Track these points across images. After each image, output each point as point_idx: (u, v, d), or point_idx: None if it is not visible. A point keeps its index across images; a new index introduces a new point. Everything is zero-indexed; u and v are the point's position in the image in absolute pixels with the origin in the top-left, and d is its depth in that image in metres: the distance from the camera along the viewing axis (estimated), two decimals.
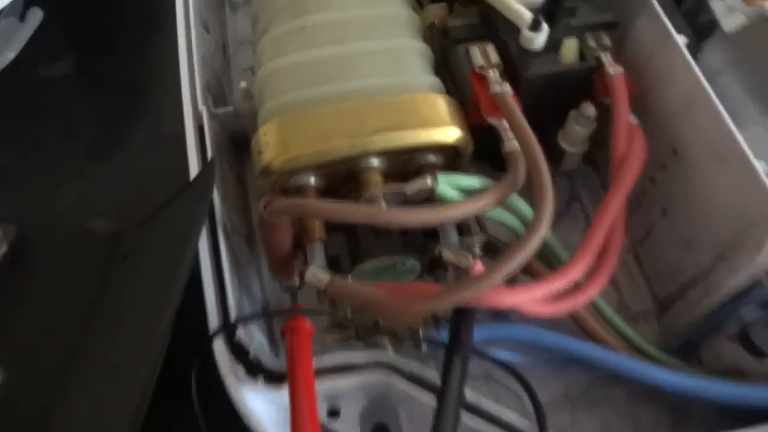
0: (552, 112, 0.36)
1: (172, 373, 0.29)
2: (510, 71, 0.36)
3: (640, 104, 0.36)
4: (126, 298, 0.36)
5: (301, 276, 0.33)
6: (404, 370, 0.31)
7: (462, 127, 0.34)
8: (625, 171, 0.33)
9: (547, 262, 0.36)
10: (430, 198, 0.32)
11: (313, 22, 0.37)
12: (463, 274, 0.32)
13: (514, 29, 0.36)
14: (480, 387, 0.38)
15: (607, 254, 0.34)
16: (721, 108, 0.31)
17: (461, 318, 0.31)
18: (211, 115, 0.39)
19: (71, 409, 0.34)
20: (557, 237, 0.36)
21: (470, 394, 0.30)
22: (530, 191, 0.32)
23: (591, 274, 0.33)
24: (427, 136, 0.33)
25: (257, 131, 0.34)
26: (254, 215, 0.43)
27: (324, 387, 0.31)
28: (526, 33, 0.35)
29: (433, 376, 0.31)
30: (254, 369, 0.31)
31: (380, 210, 0.30)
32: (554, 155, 0.38)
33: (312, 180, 0.34)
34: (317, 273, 0.31)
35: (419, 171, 0.34)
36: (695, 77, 0.32)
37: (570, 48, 0.35)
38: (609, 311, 0.36)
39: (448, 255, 0.31)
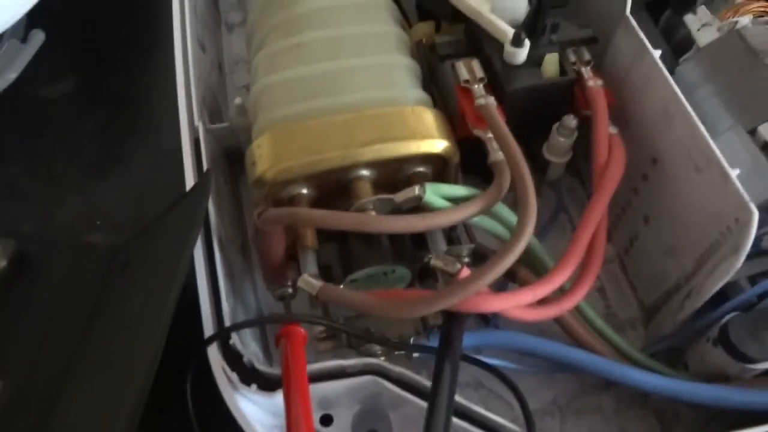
0: (535, 124, 0.38)
1: (169, 379, 0.30)
2: (494, 85, 0.37)
3: (620, 115, 0.37)
4: (124, 306, 0.37)
5: (294, 285, 0.34)
6: (395, 376, 0.32)
7: (449, 139, 0.35)
8: (606, 179, 0.35)
9: (534, 270, 0.37)
10: (419, 207, 0.33)
11: (306, 39, 0.39)
12: (451, 280, 0.33)
13: (497, 45, 0.37)
14: (470, 394, 0.39)
15: (590, 260, 0.35)
16: (695, 118, 0.32)
17: (451, 322, 0.32)
18: (207, 130, 0.41)
19: (70, 415, 0.34)
20: (545, 247, 0.37)
21: (460, 400, 0.31)
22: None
23: (575, 280, 0.34)
24: (415, 147, 0.34)
25: (252, 144, 0.35)
26: (249, 228, 0.44)
27: (317, 393, 0.32)
28: (509, 48, 0.36)
29: (424, 381, 0.32)
30: (249, 375, 0.31)
31: (368, 216, 0.31)
32: (539, 166, 0.40)
33: (304, 190, 0.35)
34: (309, 280, 0.32)
35: (408, 182, 0.35)
36: (671, 88, 0.33)
37: (551, 62, 0.37)
38: (595, 318, 0.37)
39: (436, 261, 0.32)
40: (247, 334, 0.35)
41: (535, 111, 0.37)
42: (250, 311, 0.39)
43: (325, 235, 0.35)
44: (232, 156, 0.45)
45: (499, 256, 0.30)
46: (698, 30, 0.38)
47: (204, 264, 0.34)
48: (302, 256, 0.34)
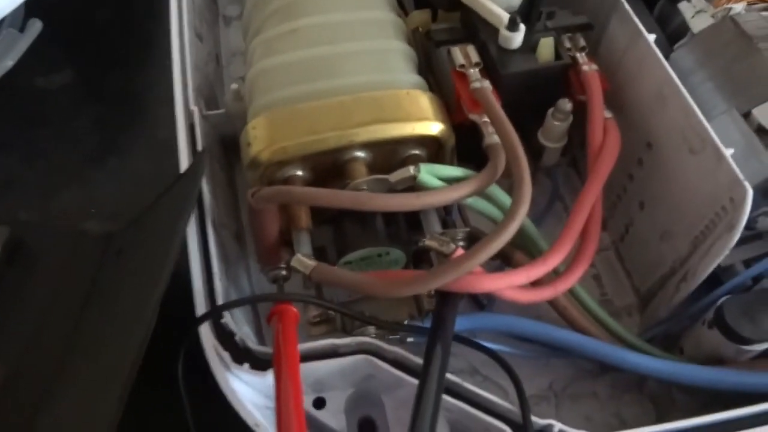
0: (530, 109, 0.38)
1: (161, 358, 0.30)
2: (489, 70, 0.37)
3: (615, 100, 0.37)
4: (118, 290, 0.37)
5: (288, 266, 0.34)
6: (389, 356, 0.32)
7: (444, 122, 0.35)
8: (600, 161, 0.35)
9: (529, 254, 0.36)
10: (414, 187, 0.33)
11: (303, 24, 0.39)
12: (445, 260, 0.32)
13: (493, 30, 0.37)
14: (465, 380, 0.38)
15: (585, 243, 0.34)
16: (690, 99, 0.32)
17: (445, 302, 0.31)
18: (203, 116, 0.41)
19: (66, 398, 0.34)
20: (541, 234, 0.37)
21: (453, 379, 0.31)
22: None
23: (570, 263, 0.34)
24: (410, 128, 0.34)
25: (247, 125, 0.35)
26: (244, 215, 0.44)
27: (309, 374, 0.32)
28: (504, 33, 0.36)
29: (418, 361, 0.32)
30: (240, 354, 0.31)
31: (363, 194, 0.31)
32: (535, 152, 0.40)
33: (299, 172, 0.35)
34: (303, 259, 0.32)
35: (403, 164, 0.35)
36: (665, 72, 0.34)
37: (546, 47, 0.37)
38: (590, 302, 0.36)
39: (430, 242, 0.32)
40: (240, 316, 0.35)
41: (530, 96, 0.37)
42: (244, 295, 0.39)
43: (320, 218, 0.35)
44: (228, 144, 0.45)
45: (494, 234, 0.30)
46: (692, 17, 0.38)
47: (197, 244, 0.34)
48: (296, 237, 0.34)
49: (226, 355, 0.30)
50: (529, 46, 0.37)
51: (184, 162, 0.37)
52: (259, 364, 0.31)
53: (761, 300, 0.32)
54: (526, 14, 0.37)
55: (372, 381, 0.33)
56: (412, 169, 0.33)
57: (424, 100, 0.36)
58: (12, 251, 0.42)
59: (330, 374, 0.33)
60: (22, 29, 0.50)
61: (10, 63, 0.48)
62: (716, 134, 0.32)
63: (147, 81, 0.55)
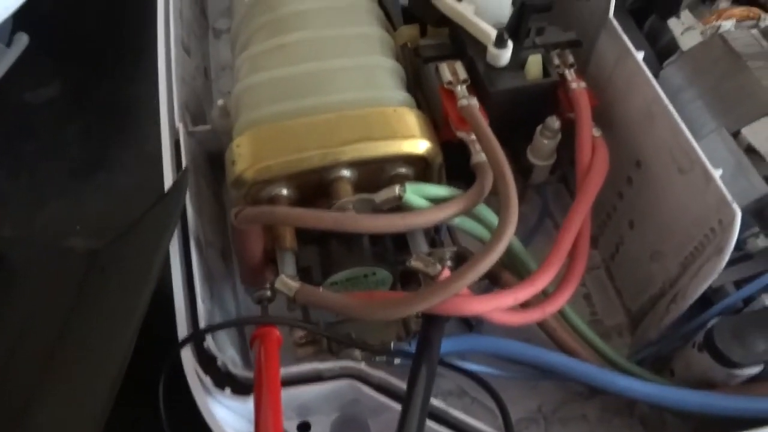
0: (519, 127, 0.37)
1: (142, 381, 0.29)
2: (477, 87, 0.37)
3: (604, 117, 0.37)
4: (100, 307, 0.37)
5: (272, 287, 0.34)
6: (374, 381, 0.31)
7: (431, 140, 0.35)
8: (589, 180, 0.34)
9: (517, 275, 0.36)
10: (400, 207, 0.33)
11: (290, 40, 0.39)
12: (431, 282, 0.32)
13: (481, 47, 0.37)
14: (453, 402, 0.38)
15: (574, 263, 0.34)
16: (678, 117, 0.32)
17: (430, 324, 0.31)
18: (189, 133, 0.40)
19: (44, 414, 0.34)
20: (530, 252, 0.36)
21: (439, 404, 0.30)
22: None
23: (559, 284, 0.34)
24: (396, 147, 0.34)
25: (231, 143, 0.35)
26: (230, 232, 0.43)
27: (293, 398, 0.31)
28: (492, 50, 0.36)
29: (403, 386, 0.31)
30: (222, 379, 0.30)
31: (347, 215, 0.31)
32: (524, 170, 0.39)
33: (284, 191, 0.34)
34: (287, 281, 0.31)
35: (390, 183, 0.35)
36: (653, 89, 0.33)
37: (534, 64, 0.37)
38: (580, 323, 0.36)
39: (416, 263, 0.32)
40: (225, 338, 0.35)
41: (519, 113, 0.37)
42: (230, 316, 0.39)
43: (305, 238, 0.35)
44: (214, 160, 0.44)
45: (480, 255, 0.30)
46: (682, 34, 0.38)
47: (180, 264, 0.33)
48: (280, 257, 0.33)
49: (207, 379, 0.30)
50: (518, 62, 0.37)
51: (168, 179, 0.37)
52: (241, 388, 0.30)
53: (752, 323, 0.31)
54: (514, 31, 0.37)
55: (357, 405, 0.33)
56: (397, 189, 0.32)
57: (411, 118, 0.35)
58: None
59: (314, 399, 0.32)
60: (8, 43, 0.49)
61: None
62: (705, 153, 0.31)
63: (135, 94, 0.55)
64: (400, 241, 0.35)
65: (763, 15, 0.37)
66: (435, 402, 0.30)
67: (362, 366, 0.31)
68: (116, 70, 0.56)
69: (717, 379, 0.32)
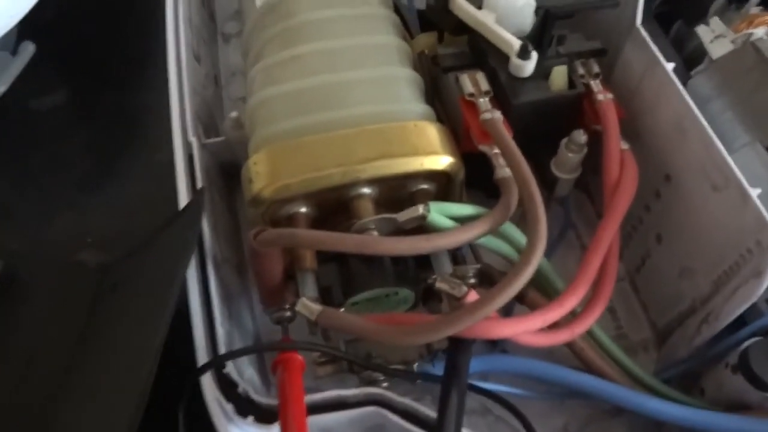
0: (543, 139, 0.36)
1: (161, 409, 0.28)
2: (500, 98, 0.36)
3: (630, 130, 0.36)
4: (114, 329, 0.36)
5: (293, 307, 0.33)
6: (399, 407, 0.30)
7: (453, 155, 0.34)
8: (617, 198, 0.33)
9: (543, 291, 0.35)
10: (423, 226, 0.32)
11: (304, 51, 0.38)
12: (457, 304, 0.31)
13: (503, 57, 0.36)
14: (477, 421, 0.37)
15: (602, 283, 0.33)
16: (712, 133, 0.31)
17: (457, 348, 0.30)
18: (202, 145, 0.39)
19: None
20: (553, 264, 0.36)
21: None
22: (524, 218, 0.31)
23: (587, 304, 0.33)
24: (418, 163, 0.33)
25: (247, 160, 0.34)
26: (245, 244, 0.43)
27: (317, 424, 0.30)
28: (515, 60, 0.35)
29: (428, 412, 0.30)
30: (244, 406, 0.30)
31: (370, 238, 0.30)
32: (547, 182, 0.38)
33: (303, 209, 0.33)
34: (308, 304, 0.30)
35: (411, 199, 0.34)
36: (685, 102, 0.32)
37: (559, 75, 0.35)
38: (607, 341, 0.35)
39: (441, 284, 0.31)
40: (244, 359, 0.34)
41: (543, 125, 0.36)
42: (247, 334, 0.38)
43: (325, 256, 0.34)
44: (227, 170, 0.44)
45: (509, 279, 0.29)
46: (711, 42, 0.37)
47: (198, 287, 0.32)
48: (301, 279, 0.32)
49: (229, 407, 0.29)
50: (541, 73, 0.36)
51: (182, 194, 0.36)
52: (264, 416, 0.29)
53: None
54: (537, 40, 0.36)
55: (381, 430, 0.32)
56: (421, 209, 0.31)
57: (432, 132, 0.34)
58: (5, 283, 0.41)
59: (338, 424, 0.31)
60: (14, 52, 0.48)
61: (2, 88, 0.47)
62: (739, 169, 0.30)
63: (142, 102, 0.54)
64: (422, 258, 0.35)
65: None
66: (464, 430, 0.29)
67: (386, 392, 0.30)
68: (122, 77, 0.55)
69: (752, 402, 0.31)
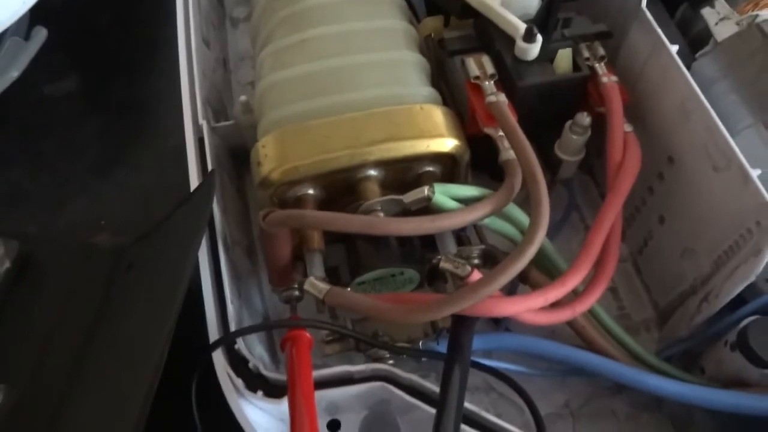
0: (547, 121, 0.37)
1: (174, 384, 0.29)
2: (505, 81, 0.36)
3: (635, 112, 0.36)
4: (129, 307, 0.37)
5: (301, 287, 0.34)
6: (404, 382, 0.31)
7: (458, 137, 0.34)
8: (620, 179, 0.34)
9: (546, 272, 0.36)
10: (428, 208, 0.32)
11: (312, 35, 0.38)
12: (461, 283, 0.32)
13: (508, 40, 0.36)
14: (481, 398, 0.38)
15: (604, 263, 0.34)
16: (715, 116, 0.31)
17: (461, 326, 0.31)
18: (212, 129, 0.40)
19: (75, 421, 0.34)
20: (556, 246, 0.36)
21: (470, 407, 0.30)
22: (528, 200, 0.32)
23: (589, 283, 0.34)
24: (423, 146, 0.33)
25: (256, 143, 0.35)
26: (255, 227, 0.43)
27: (324, 398, 0.31)
28: (521, 44, 0.35)
29: (433, 387, 0.31)
30: (254, 381, 0.31)
31: (376, 219, 0.31)
32: (551, 164, 0.39)
33: (311, 191, 0.34)
34: (316, 283, 0.31)
35: (417, 181, 0.35)
36: (689, 86, 0.32)
37: (564, 58, 0.36)
38: (608, 320, 0.36)
39: (445, 264, 0.31)
40: (254, 337, 0.35)
41: (547, 108, 0.36)
42: (257, 313, 0.39)
43: (332, 236, 0.34)
44: (237, 154, 0.44)
45: (511, 259, 0.29)
46: (716, 24, 0.37)
47: (209, 267, 0.33)
48: (309, 259, 0.33)
49: (239, 382, 0.30)
50: (546, 56, 0.36)
51: (193, 176, 0.37)
52: (274, 391, 0.30)
53: None
54: (542, 23, 0.36)
55: (387, 404, 0.33)
56: (426, 190, 0.32)
57: (438, 116, 0.35)
58: (21, 266, 0.42)
59: (344, 399, 0.32)
60: (27, 37, 0.49)
61: (15, 74, 0.47)
62: (742, 150, 0.30)
63: (153, 88, 0.54)
64: (428, 239, 0.35)
65: None
66: (468, 405, 0.30)
67: (392, 368, 0.31)
68: (133, 62, 0.56)
69: (750, 379, 0.32)
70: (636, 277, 0.42)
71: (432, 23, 0.41)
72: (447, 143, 0.34)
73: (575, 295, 0.34)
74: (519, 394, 0.31)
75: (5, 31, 0.47)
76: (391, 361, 0.33)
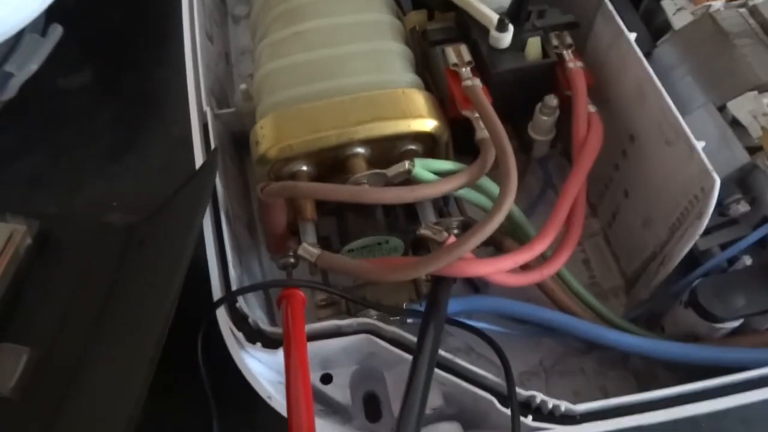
0: (520, 105, 0.40)
1: (182, 341, 0.33)
2: (481, 68, 0.40)
3: (600, 94, 0.40)
4: (141, 277, 0.40)
5: (296, 254, 0.37)
6: (388, 335, 0.35)
7: (438, 118, 0.38)
8: (584, 153, 0.37)
9: (519, 240, 0.39)
10: (409, 180, 0.36)
11: (305, 28, 0.42)
12: (438, 248, 0.35)
13: (484, 30, 0.40)
14: (462, 358, 0.41)
15: (570, 229, 0.37)
16: (665, 95, 0.34)
17: (438, 285, 0.34)
18: (215, 116, 0.43)
19: (92, 379, 0.37)
20: (534, 220, 0.40)
21: (445, 354, 0.34)
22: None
23: (556, 248, 0.37)
24: (405, 125, 0.37)
25: (255, 125, 0.38)
26: (254, 205, 0.47)
27: (316, 352, 0.35)
28: (494, 33, 0.39)
29: (414, 340, 0.34)
30: (253, 335, 0.34)
31: (362, 188, 0.34)
32: (526, 144, 0.42)
33: (304, 167, 0.38)
34: (309, 248, 0.35)
35: (401, 158, 0.38)
36: (644, 70, 0.36)
37: (534, 46, 0.39)
38: (576, 284, 0.39)
39: (424, 231, 0.35)
40: (253, 301, 0.38)
41: (520, 92, 0.40)
42: (256, 280, 0.42)
43: (324, 210, 0.38)
44: (238, 139, 0.48)
45: (481, 224, 0.33)
46: (674, 14, 0.40)
47: (213, 235, 0.37)
48: (302, 227, 0.36)
49: (240, 335, 0.34)
50: (519, 44, 0.40)
51: (198, 158, 0.40)
52: (271, 343, 0.34)
53: (732, 282, 0.34)
54: (514, 14, 0.39)
55: (374, 358, 0.36)
56: (407, 164, 0.35)
57: (419, 98, 0.38)
58: (42, 242, 0.46)
59: (335, 352, 0.36)
60: (43, 33, 0.53)
61: (34, 67, 0.51)
62: (694, 127, 0.34)
63: (161, 79, 0.58)
64: (411, 212, 0.39)
65: None
66: (443, 353, 0.33)
67: (377, 322, 0.34)
68: (142, 56, 0.60)
69: (701, 333, 0.35)
70: (606, 249, 0.45)
71: (417, 17, 0.45)
72: (427, 123, 0.37)
73: (544, 260, 0.37)
74: (491, 346, 0.35)
75: (23, 28, 0.51)
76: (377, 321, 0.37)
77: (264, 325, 0.34)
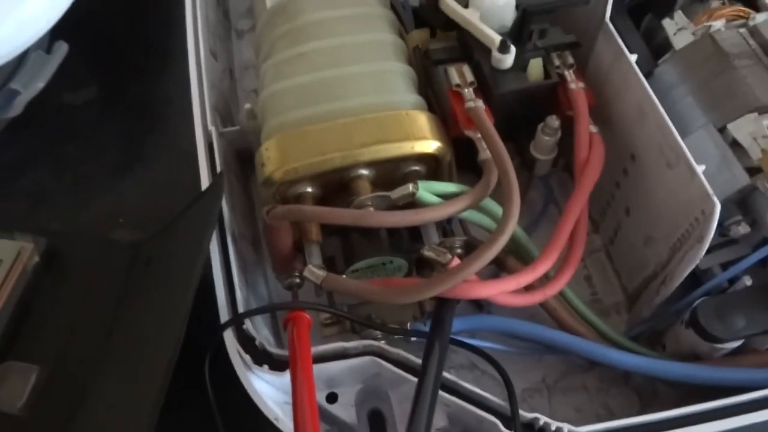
0: (523, 124, 0.40)
1: (190, 363, 0.33)
2: (483, 88, 0.40)
3: (601, 113, 0.40)
4: (148, 298, 0.40)
5: (301, 275, 0.38)
6: (392, 357, 0.35)
7: (441, 140, 0.38)
8: (586, 174, 0.37)
9: (521, 260, 0.40)
10: (413, 203, 0.36)
11: (309, 49, 0.42)
12: (443, 269, 0.36)
13: (486, 51, 0.40)
14: (465, 375, 0.42)
15: (572, 249, 0.37)
16: (666, 116, 0.35)
17: (442, 306, 0.35)
18: (220, 134, 0.44)
19: (100, 400, 0.38)
20: (536, 236, 0.40)
21: (449, 376, 0.34)
22: None
23: (559, 268, 0.37)
24: (409, 147, 0.37)
25: (260, 147, 0.39)
26: (259, 222, 0.48)
27: (322, 373, 0.35)
28: (496, 54, 0.39)
29: (419, 361, 0.35)
30: (260, 357, 0.35)
31: (366, 212, 0.35)
32: (528, 163, 0.43)
33: (309, 189, 0.38)
34: (314, 270, 0.35)
35: (404, 179, 0.38)
36: (645, 90, 0.36)
37: (536, 66, 0.39)
38: (579, 304, 0.39)
39: (428, 252, 0.35)
40: (259, 321, 0.39)
41: (522, 112, 0.40)
42: (262, 300, 0.43)
43: (329, 230, 0.38)
44: (243, 156, 0.48)
45: (485, 246, 0.33)
46: (674, 34, 0.40)
47: (219, 258, 0.37)
48: (307, 249, 0.37)
49: (247, 357, 0.34)
50: (521, 65, 0.40)
51: (204, 178, 0.41)
52: (277, 365, 0.34)
53: (732, 302, 0.35)
54: (516, 35, 0.40)
55: (379, 378, 0.37)
56: (411, 187, 0.36)
57: (422, 120, 0.39)
58: (49, 260, 0.46)
59: (340, 373, 0.36)
60: (48, 50, 0.53)
61: (40, 84, 0.52)
62: (694, 147, 0.34)
63: (165, 94, 0.58)
64: (415, 232, 0.39)
65: (752, 14, 0.39)
66: (447, 375, 0.33)
67: (382, 344, 0.35)
68: (146, 72, 0.60)
69: (702, 352, 0.36)
70: (608, 265, 0.45)
71: (419, 35, 0.45)
72: (430, 145, 0.38)
73: (547, 279, 0.38)
74: (492, 365, 0.35)
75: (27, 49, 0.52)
76: (382, 342, 0.37)
77: (271, 347, 0.35)
